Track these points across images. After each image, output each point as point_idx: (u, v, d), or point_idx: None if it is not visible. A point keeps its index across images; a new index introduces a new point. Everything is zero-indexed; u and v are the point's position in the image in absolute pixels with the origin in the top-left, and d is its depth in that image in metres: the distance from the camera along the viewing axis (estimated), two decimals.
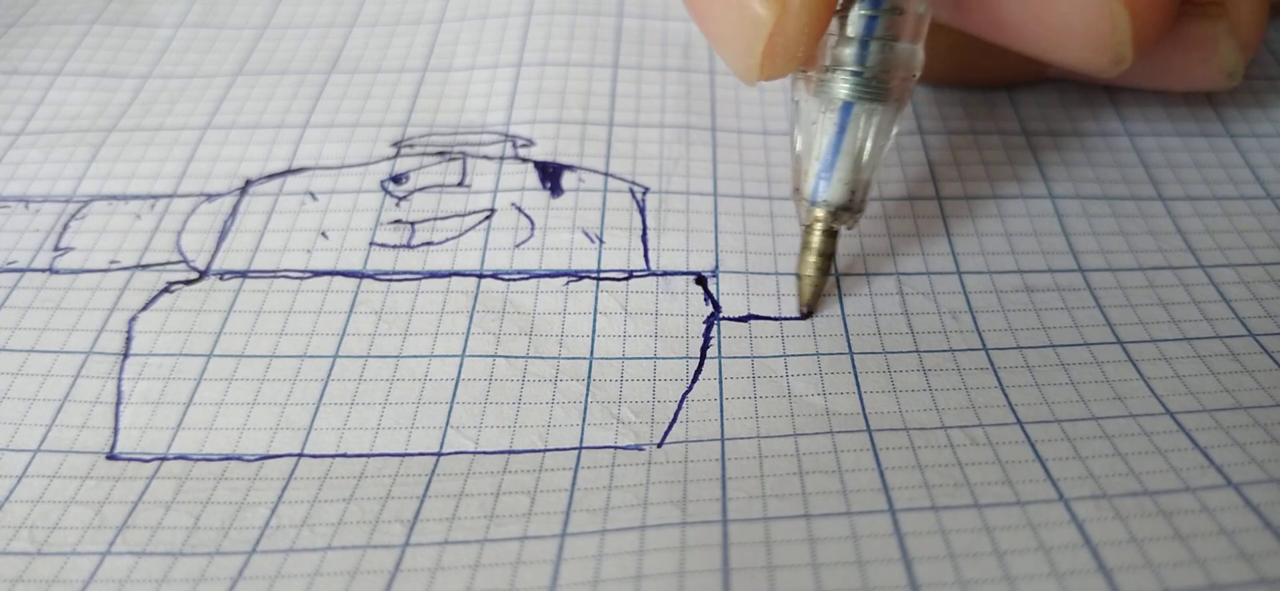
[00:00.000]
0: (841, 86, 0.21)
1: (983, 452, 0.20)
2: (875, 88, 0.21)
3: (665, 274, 0.25)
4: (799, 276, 0.23)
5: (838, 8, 0.21)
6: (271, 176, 0.28)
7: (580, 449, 0.21)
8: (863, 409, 0.22)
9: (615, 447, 0.21)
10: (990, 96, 0.31)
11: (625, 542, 0.19)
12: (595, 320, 0.24)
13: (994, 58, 0.27)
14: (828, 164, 0.22)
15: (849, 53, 0.21)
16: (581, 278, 0.25)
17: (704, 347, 0.23)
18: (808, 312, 0.24)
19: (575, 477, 0.20)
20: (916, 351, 0.23)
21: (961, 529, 0.18)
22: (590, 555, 0.18)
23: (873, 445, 0.21)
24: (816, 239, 0.23)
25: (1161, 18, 0.22)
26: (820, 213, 0.22)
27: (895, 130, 0.22)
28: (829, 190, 0.22)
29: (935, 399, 0.22)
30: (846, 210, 0.22)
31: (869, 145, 0.22)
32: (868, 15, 0.21)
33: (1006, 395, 0.22)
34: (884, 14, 0.21)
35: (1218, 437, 0.20)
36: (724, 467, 0.20)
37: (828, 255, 0.23)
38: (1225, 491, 0.19)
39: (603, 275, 0.25)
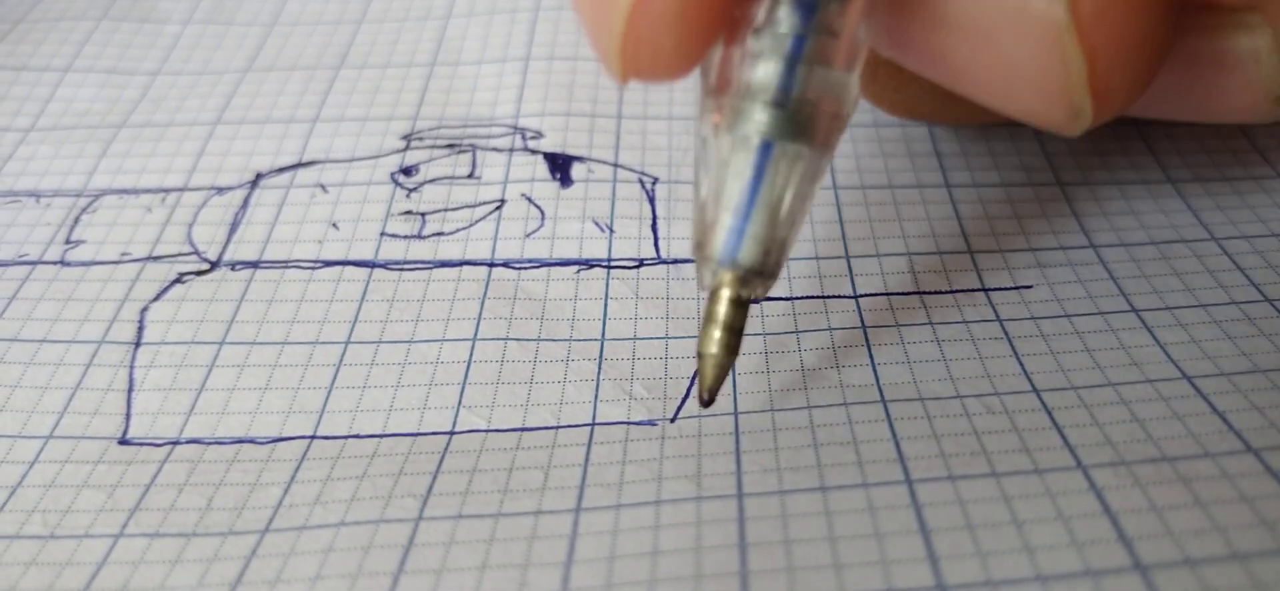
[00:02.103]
0: (759, 120, 0.17)
1: (999, 420, 0.20)
2: (800, 125, 0.17)
3: (676, 261, 0.25)
4: (701, 356, 0.19)
5: (756, 26, 0.17)
6: (282, 170, 0.29)
7: (593, 425, 0.21)
8: (877, 380, 0.21)
9: (628, 423, 0.21)
10: None
11: (640, 517, 0.19)
12: (607, 305, 0.24)
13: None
14: (741, 216, 0.17)
15: (769, 79, 0.17)
16: (592, 266, 0.25)
17: None
18: (709, 400, 0.20)
19: (588, 453, 0.20)
20: (929, 323, 0.23)
21: (979, 498, 0.18)
22: (606, 530, 0.18)
23: (888, 415, 0.20)
24: (723, 309, 0.19)
25: (1134, 64, 0.17)
26: (728, 276, 0.18)
27: (822, 179, 0.18)
28: (742, 249, 0.18)
29: (950, 369, 0.22)
30: (758, 274, 0.18)
31: (790, 195, 0.17)
32: (795, 35, 0.16)
33: (1022, 363, 0.22)
34: (815, 35, 0.16)
35: (1237, 402, 0.20)
36: (738, 441, 0.20)
37: (738, 330, 0.19)
38: (1245, 457, 0.18)
39: (613, 263, 0.25)
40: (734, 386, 0.21)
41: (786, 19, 0.16)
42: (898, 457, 0.19)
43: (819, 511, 0.18)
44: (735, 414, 0.21)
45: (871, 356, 0.22)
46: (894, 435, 0.20)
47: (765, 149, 0.17)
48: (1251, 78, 0.19)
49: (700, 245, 0.18)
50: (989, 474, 0.19)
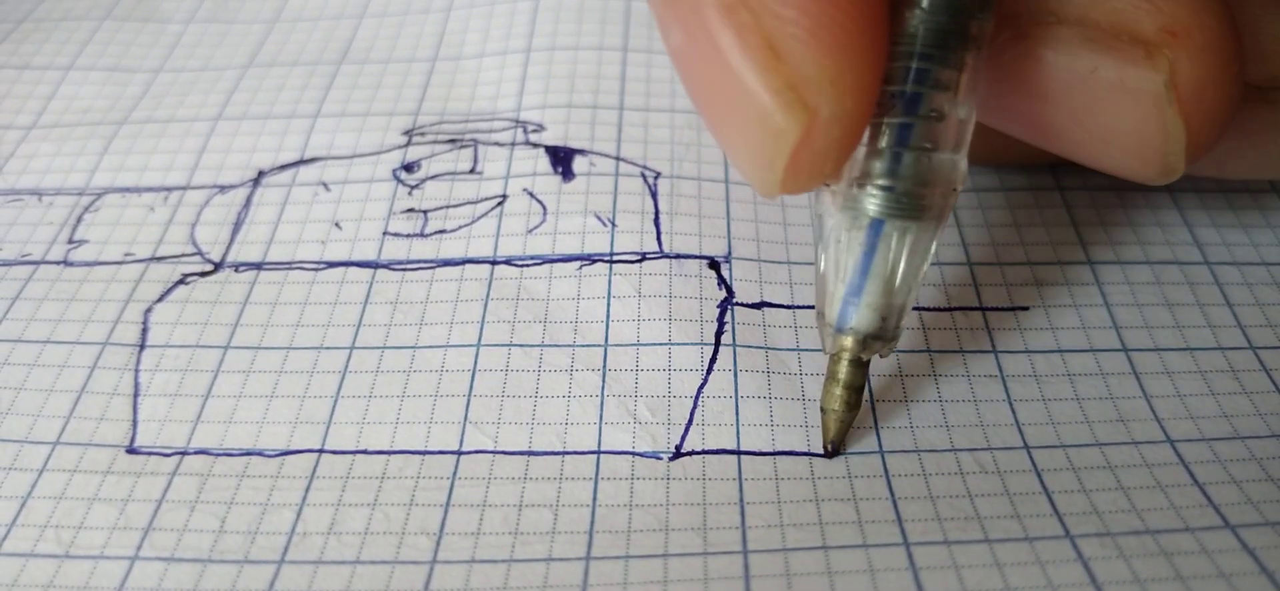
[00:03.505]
0: (870, 201, 0.18)
1: (991, 482, 0.20)
2: (909, 203, 0.18)
3: (678, 257, 0.25)
4: (823, 410, 0.21)
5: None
6: (284, 167, 0.29)
7: (599, 454, 0.21)
8: (875, 421, 0.22)
9: (633, 454, 0.21)
10: None
11: (649, 571, 0.19)
12: (609, 304, 0.24)
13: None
14: (856, 287, 0.19)
15: (879, 164, 0.18)
16: (594, 261, 0.25)
17: (718, 334, 0.23)
18: (834, 451, 0.21)
19: (596, 491, 0.20)
20: (927, 351, 0.23)
21: (973, 564, 0.19)
22: (615, 582, 0.19)
23: (885, 470, 0.21)
24: (844, 370, 0.20)
25: (1220, 128, 0.19)
26: (848, 341, 0.20)
27: (934, 248, 0.19)
28: (857, 317, 0.19)
29: (945, 414, 0.22)
30: (877, 339, 0.19)
31: (902, 267, 0.19)
32: (902, 122, 0.18)
33: (1014, 412, 0.22)
34: (922, 120, 0.18)
35: (1216, 472, 0.20)
36: (742, 490, 0.20)
37: (857, 387, 0.20)
38: (1223, 533, 0.19)
39: (615, 258, 0.25)
40: (737, 415, 0.22)
41: (895, 107, 0.18)
42: (895, 517, 0.20)
43: (822, 572, 0.19)
44: (738, 453, 0.21)
45: (870, 393, 0.22)
46: (891, 492, 0.20)
47: (876, 226, 0.18)
48: (1275, 144, 0.21)
49: (821, 314, 0.20)
50: (982, 540, 0.19)
